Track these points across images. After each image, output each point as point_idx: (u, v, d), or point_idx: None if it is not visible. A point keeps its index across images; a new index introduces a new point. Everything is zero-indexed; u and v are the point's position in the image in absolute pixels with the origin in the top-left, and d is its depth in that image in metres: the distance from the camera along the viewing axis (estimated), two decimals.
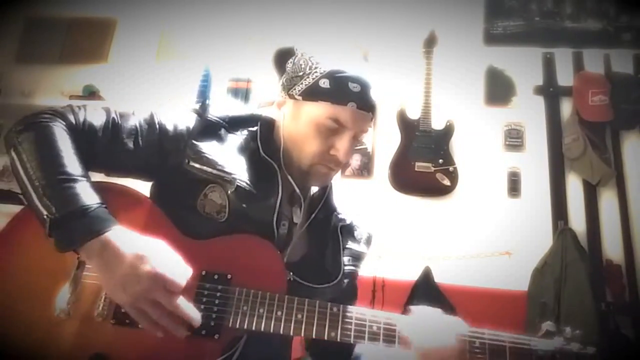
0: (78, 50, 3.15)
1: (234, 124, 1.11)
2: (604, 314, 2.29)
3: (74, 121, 0.98)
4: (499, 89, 2.78)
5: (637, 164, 2.56)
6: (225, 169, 1.03)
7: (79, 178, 0.91)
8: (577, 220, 2.53)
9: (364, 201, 2.67)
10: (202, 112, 1.10)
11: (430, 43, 2.70)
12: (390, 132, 2.73)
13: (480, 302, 2.28)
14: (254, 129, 1.12)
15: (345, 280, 1.16)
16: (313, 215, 1.14)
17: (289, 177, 1.09)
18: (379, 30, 2.91)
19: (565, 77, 2.72)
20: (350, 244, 1.20)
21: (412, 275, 2.45)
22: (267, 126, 1.14)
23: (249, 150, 1.09)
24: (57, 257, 0.90)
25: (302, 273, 1.05)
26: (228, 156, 1.06)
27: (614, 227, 2.50)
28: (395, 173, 2.66)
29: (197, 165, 1.03)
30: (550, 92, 2.72)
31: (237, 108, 1.15)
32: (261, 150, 1.09)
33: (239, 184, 1.02)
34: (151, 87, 2.90)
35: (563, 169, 2.61)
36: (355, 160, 2.78)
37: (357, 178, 2.75)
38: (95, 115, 1.01)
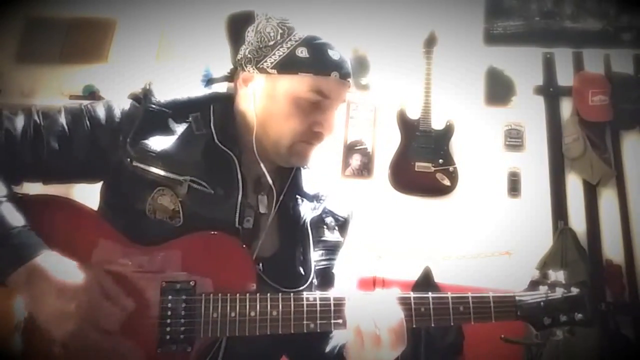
0: (78, 50, 3.14)
1: (182, 109, 0.96)
2: (604, 314, 2.29)
3: None
4: (499, 89, 2.78)
5: (637, 164, 2.56)
6: (174, 169, 0.91)
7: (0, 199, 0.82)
8: (577, 220, 2.53)
9: (364, 201, 2.68)
10: (142, 98, 0.96)
11: (430, 43, 2.69)
12: (390, 132, 2.73)
13: None
14: (206, 113, 0.98)
15: (318, 279, 1.05)
16: (279, 201, 1.01)
17: (261, 163, 0.97)
18: (379, 30, 2.91)
19: (565, 77, 2.72)
20: (323, 236, 1.07)
21: (412, 275, 2.44)
22: (222, 108, 1.00)
23: (202, 140, 0.95)
24: None
25: (272, 273, 0.95)
26: (177, 151, 0.92)
27: (614, 227, 2.50)
28: (395, 173, 2.66)
29: (141, 166, 0.91)
30: (550, 92, 2.71)
31: (185, 89, 1.02)
32: (216, 138, 0.96)
33: (191, 185, 0.91)
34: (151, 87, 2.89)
35: (563, 169, 2.61)
36: (355, 160, 2.78)
37: (357, 178, 2.75)
38: (12, 120, 0.89)
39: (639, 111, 2.55)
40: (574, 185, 2.59)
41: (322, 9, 2.90)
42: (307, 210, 1.04)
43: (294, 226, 1.02)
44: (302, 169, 1.08)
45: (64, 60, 3.14)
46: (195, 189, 0.91)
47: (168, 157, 0.92)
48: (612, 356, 2.17)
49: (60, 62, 3.14)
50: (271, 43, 0.94)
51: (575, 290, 0.96)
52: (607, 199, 2.55)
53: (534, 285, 0.99)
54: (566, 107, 2.69)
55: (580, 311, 0.95)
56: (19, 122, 0.90)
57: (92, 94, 2.95)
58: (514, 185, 2.63)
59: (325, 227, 1.09)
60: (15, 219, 0.81)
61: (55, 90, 3.01)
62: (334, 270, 1.11)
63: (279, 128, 0.95)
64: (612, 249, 2.47)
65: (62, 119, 0.92)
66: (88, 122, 0.92)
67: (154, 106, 0.95)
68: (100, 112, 0.94)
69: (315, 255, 1.05)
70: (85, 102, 0.96)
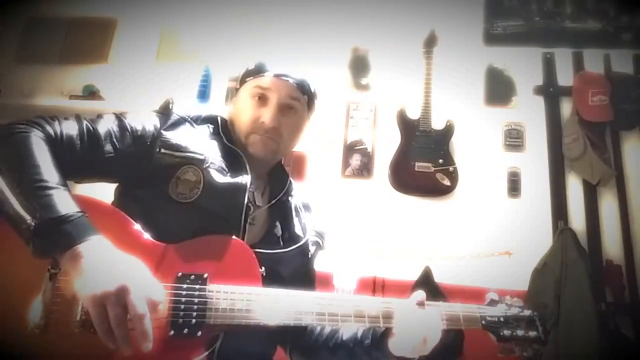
0: (78, 50, 3.15)
1: (197, 121, 1.19)
2: (604, 314, 2.29)
3: (52, 132, 1.00)
4: (499, 89, 2.78)
5: (637, 164, 2.56)
6: (197, 150, 1.11)
7: (59, 186, 0.91)
8: (577, 220, 2.54)
9: (364, 201, 2.68)
10: (165, 108, 1.17)
11: (430, 43, 2.70)
12: (390, 132, 2.73)
13: (480, 302, 2.28)
14: (215, 124, 1.23)
15: (313, 248, 1.25)
16: (277, 199, 1.23)
17: (243, 157, 1.18)
18: (379, 30, 2.91)
19: (565, 77, 2.72)
20: (311, 220, 1.30)
21: (412, 275, 2.44)
22: (226, 122, 1.25)
23: (216, 139, 1.18)
24: (28, 269, 0.90)
25: (269, 244, 1.13)
26: (198, 141, 1.13)
27: (614, 227, 2.50)
28: (395, 173, 2.66)
29: (168, 152, 1.09)
30: (550, 92, 2.72)
31: (199, 110, 1.24)
32: (225, 140, 1.19)
33: (212, 161, 1.10)
34: (151, 87, 2.90)
35: (563, 169, 2.61)
36: (355, 160, 2.78)
37: (357, 178, 2.75)
38: (69, 125, 1.03)
39: (639, 111, 2.55)
40: (574, 185, 2.59)
41: (323, 9, 2.91)
42: (297, 202, 1.29)
43: (286, 209, 1.25)
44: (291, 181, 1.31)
45: (64, 60, 3.15)
46: (214, 166, 1.11)
47: (190, 144, 1.11)
48: (612, 356, 2.17)
49: (60, 62, 3.14)
50: (244, 72, 1.26)
51: (527, 312, 1.12)
52: (607, 199, 2.55)
53: (493, 303, 1.14)
54: (566, 107, 2.69)
55: (533, 330, 1.10)
56: (74, 127, 1.04)
57: (92, 94, 2.95)
58: (514, 185, 2.63)
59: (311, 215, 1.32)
60: (72, 205, 0.90)
61: (55, 91, 3.01)
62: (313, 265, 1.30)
63: (239, 122, 1.21)
64: (612, 249, 2.47)
65: (109, 127, 1.07)
66: (129, 129, 1.08)
67: (176, 113, 1.17)
68: (136, 121, 1.10)
69: (307, 225, 1.26)
70: (117, 113, 1.11)
